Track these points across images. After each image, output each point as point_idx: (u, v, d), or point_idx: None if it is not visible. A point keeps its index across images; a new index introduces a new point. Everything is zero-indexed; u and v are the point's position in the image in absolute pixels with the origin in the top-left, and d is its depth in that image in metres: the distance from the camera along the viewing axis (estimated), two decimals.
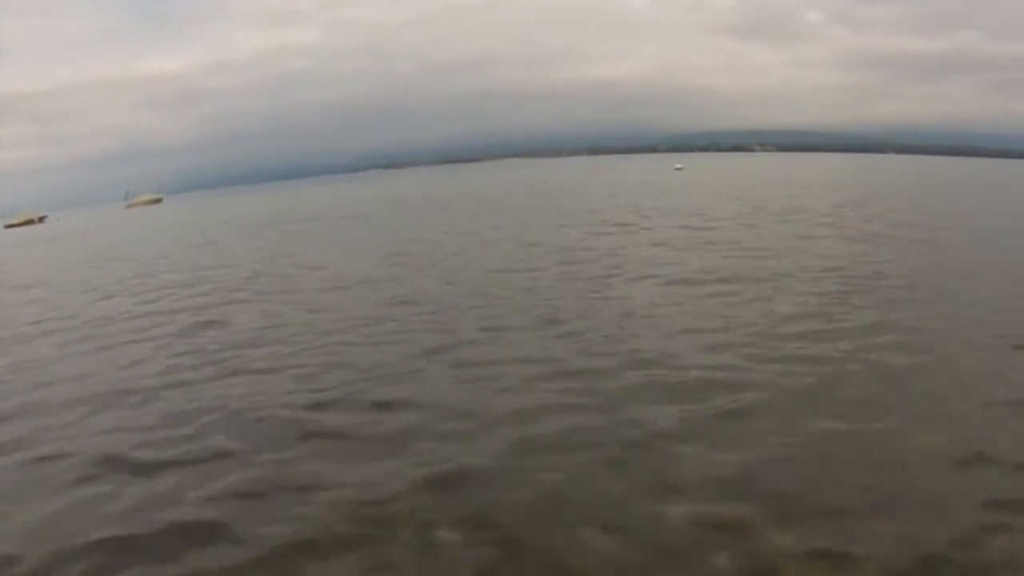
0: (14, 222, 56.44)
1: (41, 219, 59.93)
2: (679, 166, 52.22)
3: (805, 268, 10.52)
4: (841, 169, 57.15)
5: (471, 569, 3.33)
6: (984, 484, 3.89)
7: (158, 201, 75.72)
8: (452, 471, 4.29)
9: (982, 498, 3.73)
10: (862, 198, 25.18)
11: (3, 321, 10.99)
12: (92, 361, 7.64)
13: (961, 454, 4.24)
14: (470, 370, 6.28)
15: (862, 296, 8.49)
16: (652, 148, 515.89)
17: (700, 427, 4.76)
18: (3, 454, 5.16)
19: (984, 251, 12.45)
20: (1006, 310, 7.76)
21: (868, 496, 3.76)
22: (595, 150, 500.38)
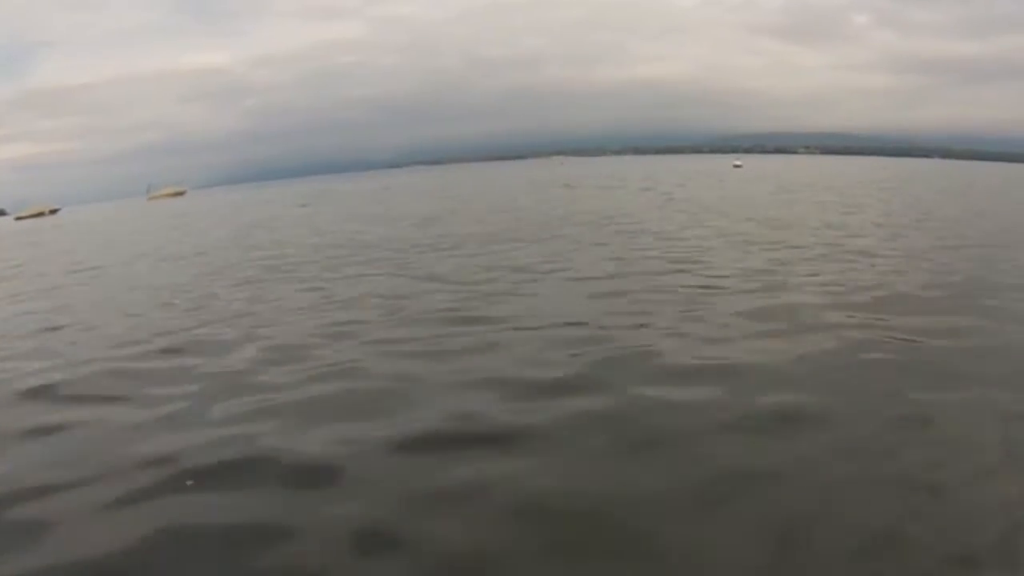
0: (24, 214, 56.06)
1: (53, 211, 58.30)
2: (738, 163, 46.98)
3: None
4: (930, 174, 49.53)
5: None
6: None
7: (180, 194, 73.35)
8: None
9: None
10: None
11: None
12: None
13: None
14: None
15: None
16: (696, 149, 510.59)
17: None
18: None
19: None
20: None
21: None
22: (640, 150, 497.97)
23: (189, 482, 3.34)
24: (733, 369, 4.60)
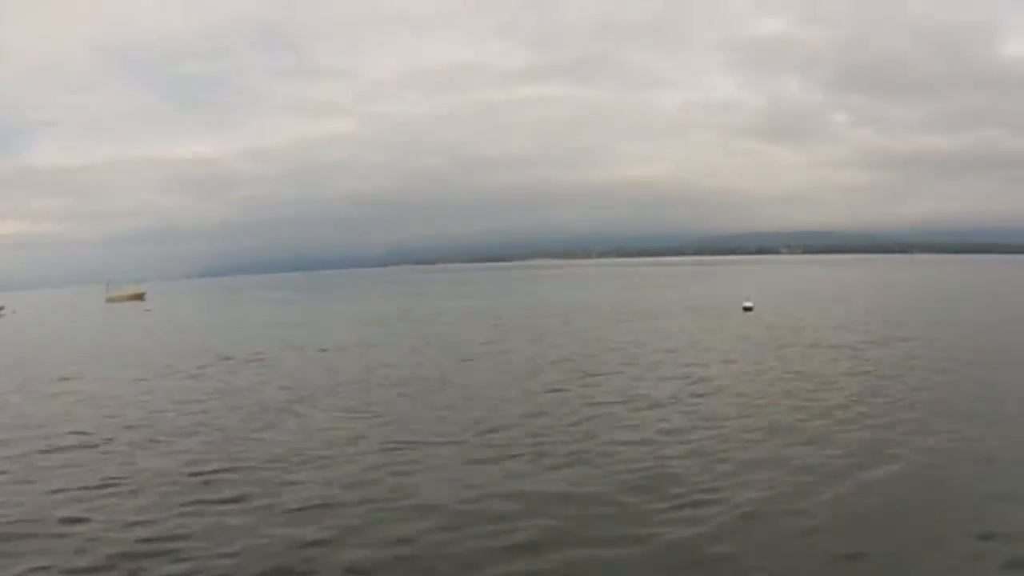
0: None
1: None
2: (748, 305, 26.69)
3: None
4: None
5: None
6: None
7: (140, 297, 67.79)
8: None
9: None
10: None
11: None
12: None
13: None
14: None
15: None
16: (679, 250, 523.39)
17: None
18: None
19: None
20: None
21: None
22: (623, 252, 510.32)
23: None
24: None
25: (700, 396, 11.21)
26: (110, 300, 62.78)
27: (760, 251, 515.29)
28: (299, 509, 6.73)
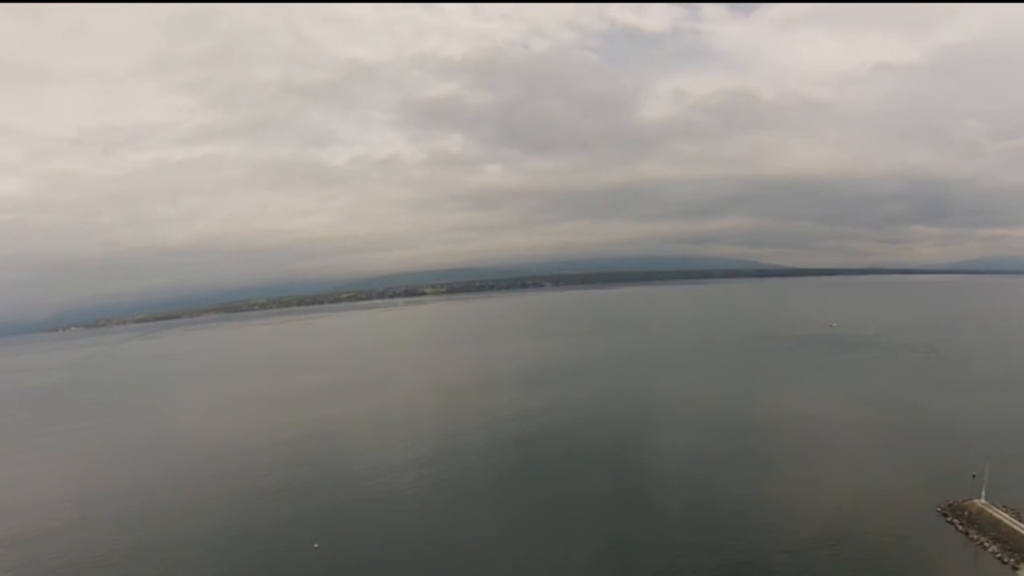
0: None
1: None
2: None
3: None
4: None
5: None
6: None
7: None
8: None
9: None
10: None
11: None
12: None
13: None
14: None
15: None
16: (334, 297, 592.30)
17: None
18: None
19: None
20: None
21: None
22: (284, 301, 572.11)
23: None
24: None
25: None
26: None
27: (408, 293, 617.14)
28: None
